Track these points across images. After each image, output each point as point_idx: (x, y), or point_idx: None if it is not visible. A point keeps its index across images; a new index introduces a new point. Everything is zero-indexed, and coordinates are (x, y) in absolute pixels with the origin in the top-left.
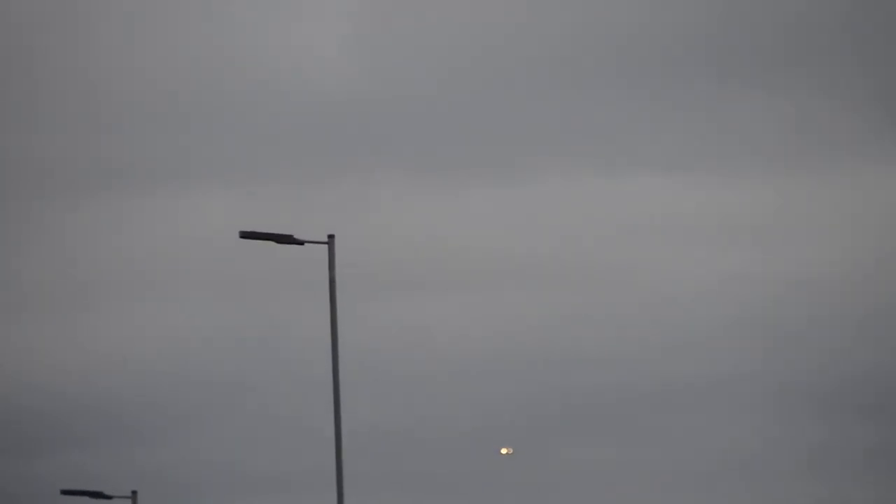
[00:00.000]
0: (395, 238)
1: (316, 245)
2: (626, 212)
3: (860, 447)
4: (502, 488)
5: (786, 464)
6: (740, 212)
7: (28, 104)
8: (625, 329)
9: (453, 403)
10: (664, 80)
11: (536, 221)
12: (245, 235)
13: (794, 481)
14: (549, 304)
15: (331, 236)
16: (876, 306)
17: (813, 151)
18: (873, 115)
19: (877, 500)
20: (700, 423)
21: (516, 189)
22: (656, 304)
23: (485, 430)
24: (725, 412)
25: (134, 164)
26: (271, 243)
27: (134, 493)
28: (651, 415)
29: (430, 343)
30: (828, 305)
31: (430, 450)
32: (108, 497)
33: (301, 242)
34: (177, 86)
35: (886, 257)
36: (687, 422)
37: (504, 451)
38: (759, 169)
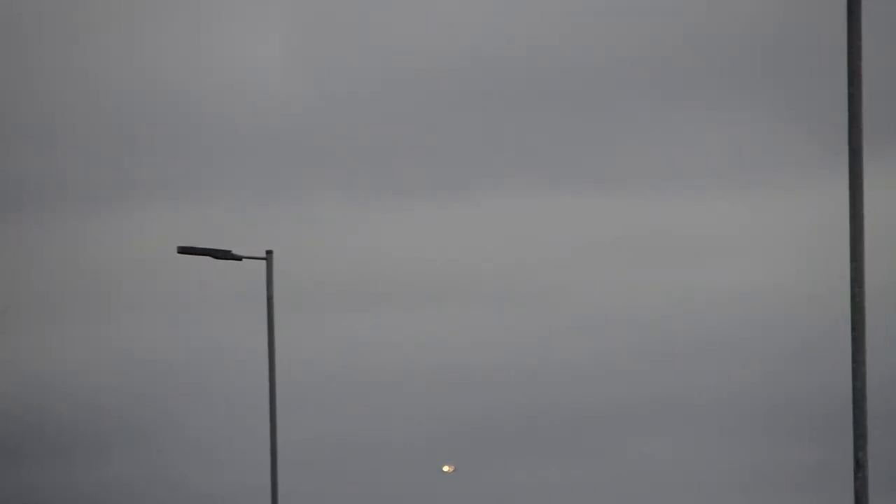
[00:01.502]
0: (335, 255)
1: (254, 261)
2: (574, 231)
3: (802, 467)
4: None
5: (735, 484)
6: (697, 231)
7: None
8: (575, 348)
9: (393, 420)
10: (616, 99)
11: (482, 240)
12: (183, 251)
13: (743, 501)
14: (494, 322)
15: (269, 252)
16: (829, 326)
17: (770, 169)
18: (824, 136)
19: None
20: (649, 443)
21: (460, 207)
22: (606, 323)
23: (425, 447)
24: (676, 432)
25: (70, 182)
26: (209, 259)
27: None
28: (599, 435)
29: (371, 359)
30: (782, 323)
31: (369, 467)
32: None
33: (239, 258)
34: (114, 105)
35: (843, 274)
36: (635, 443)
37: (446, 468)
38: (714, 187)
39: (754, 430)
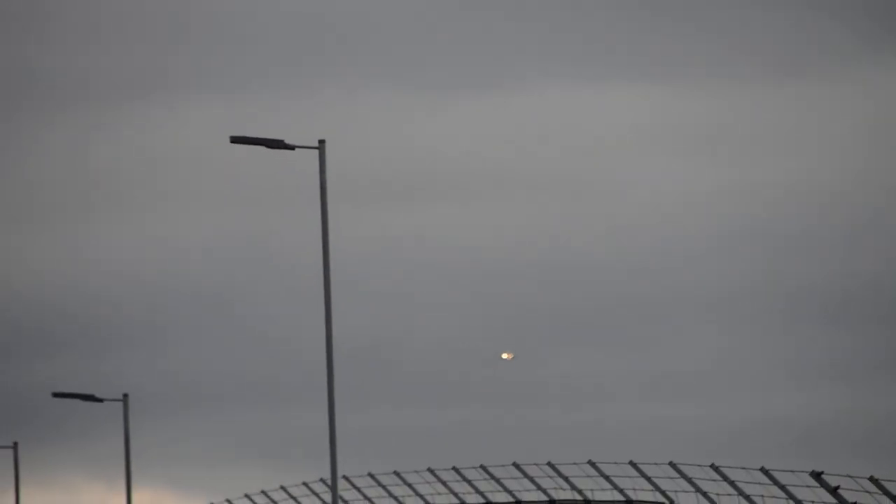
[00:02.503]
0: (386, 147)
1: (307, 150)
2: (620, 122)
3: (852, 352)
4: (493, 397)
5: (776, 372)
6: (735, 122)
7: (26, 17)
8: (619, 239)
9: (448, 309)
10: None
11: (527, 133)
12: (236, 140)
13: (785, 389)
14: (542, 213)
15: (321, 141)
16: (869, 216)
17: (805, 61)
18: (866, 25)
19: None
20: (691, 331)
21: (507, 100)
22: (650, 213)
23: (482, 336)
24: (717, 321)
25: (121, 76)
26: (262, 149)
27: (125, 396)
28: (656, 325)
29: (423, 250)
30: (819, 215)
31: (422, 358)
32: (100, 400)
33: (292, 147)
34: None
35: (883, 167)
36: (679, 331)
37: (505, 355)
38: (757, 78)
39: (807, 317)
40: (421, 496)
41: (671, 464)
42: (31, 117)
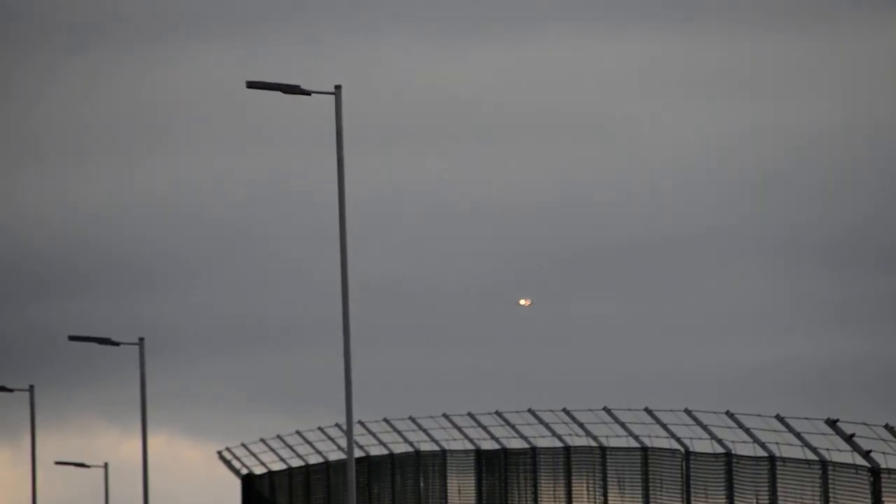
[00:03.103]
0: (402, 92)
1: (323, 96)
2: (634, 67)
3: (869, 298)
4: (509, 342)
5: (794, 318)
6: (750, 65)
7: None
8: (634, 182)
9: (465, 255)
10: None
11: (544, 76)
12: (252, 85)
13: (802, 336)
14: (559, 156)
15: (338, 87)
16: (886, 160)
17: (823, 5)
18: None
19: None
20: (707, 275)
21: (523, 44)
22: (664, 157)
23: (500, 281)
24: (734, 265)
25: (137, 19)
26: (278, 94)
27: (141, 339)
28: (671, 269)
29: (440, 195)
30: (837, 160)
31: (440, 300)
32: (116, 344)
33: (308, 93)
34: None
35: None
36: (695, 274)
37: (523, 301)
38: (771, 22)
39: (824, 262)
40: (436, 441)
41: (686, 411)
42: (43, 59)
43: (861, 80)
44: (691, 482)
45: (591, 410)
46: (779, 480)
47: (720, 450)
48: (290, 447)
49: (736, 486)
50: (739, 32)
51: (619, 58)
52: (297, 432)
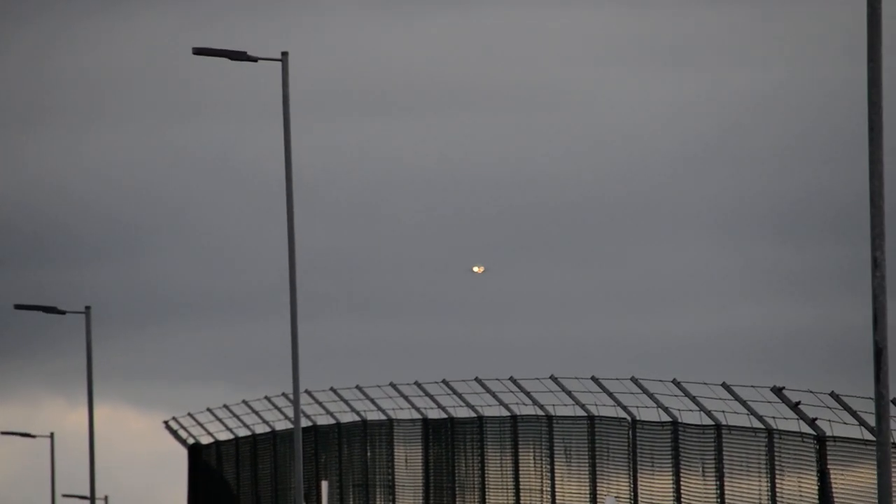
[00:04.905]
0: (349, 60)
1: (270, 63)
2: (582, 37)
3: (815, 267)
4: (456, 311)
5: (740, 287)
6: (693, 34)
7: None
8: (584, 150)
9: (414, 224)
10: None
11: (493, 44)
12: (199, 52)
13: (749, 305)
14: (509, 126)
15: (284, 53)
16: (834, 128)
17: None
18: None
19: (822, 317)
20: (661, 244)
21: (472, 12)
22: (612, 125)
23: (451, 248)
24: (681, 233)
25: None
26: (225, 61)
27: (87, 308)
28: (623, 238)
29: (388, 164)
30: (787, 127)
31: (386, 270)
32: (62, 312)
33: (255, 59)
34: None
35: (844, 80)
36: (649, 242)
37: (476, 268)
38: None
39: (771, 231)
40: (383, 410)
41: (633, 379)
42: None
43: (810, 46)
44: (638, 450)
45: (538, 379)
46: (725, 448)
47: (666, 418)
48: (237, 417)
49: (682, 453)
50: (688, 1)
51: (568, 26)
52: (244, 402)
